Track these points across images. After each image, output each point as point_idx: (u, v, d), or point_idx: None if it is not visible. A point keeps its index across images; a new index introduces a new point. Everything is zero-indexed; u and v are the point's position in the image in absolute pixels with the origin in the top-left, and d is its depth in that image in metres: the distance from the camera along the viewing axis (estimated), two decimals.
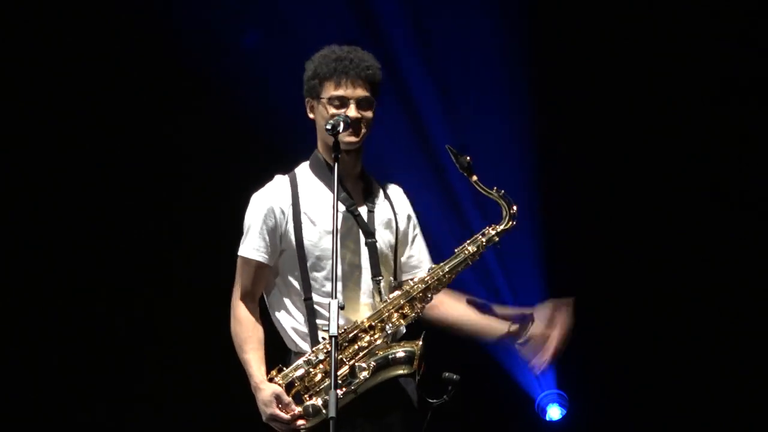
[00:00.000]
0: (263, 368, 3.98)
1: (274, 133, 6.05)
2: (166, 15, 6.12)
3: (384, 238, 4.07)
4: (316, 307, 3.98)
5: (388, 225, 4.10)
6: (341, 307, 3.68)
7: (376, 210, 4.09)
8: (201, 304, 6.07)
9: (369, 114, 3.99)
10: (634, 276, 6.38)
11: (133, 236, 6.30)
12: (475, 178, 3.93)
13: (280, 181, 4.13)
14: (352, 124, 3.95)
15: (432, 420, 3.95)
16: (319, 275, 4.00)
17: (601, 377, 6.37)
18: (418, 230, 4.21)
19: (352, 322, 3.95)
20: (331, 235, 3.84)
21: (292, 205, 4.06)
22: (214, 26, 6.18)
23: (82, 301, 6.29)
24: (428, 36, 6.30)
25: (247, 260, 4.07)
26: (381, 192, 4.15)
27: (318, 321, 3.97)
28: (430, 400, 3.85)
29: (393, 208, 4.15)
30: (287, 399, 3.88)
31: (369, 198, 4.10)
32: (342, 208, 4.03)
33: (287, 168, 4.19)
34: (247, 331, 4.02)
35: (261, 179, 4.22)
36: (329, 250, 3.89)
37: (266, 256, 4.05)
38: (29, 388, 6.25)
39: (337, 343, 3.64)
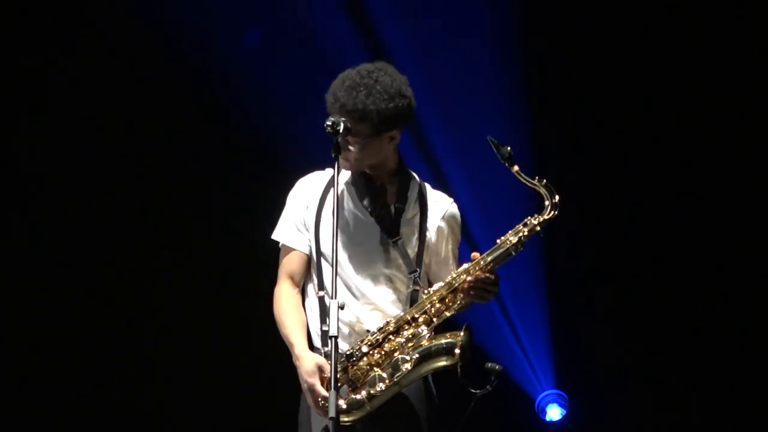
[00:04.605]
0: (305, 340, 3.99)
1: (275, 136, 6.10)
2: (166, 15, 6.14)
3: (405, 244, 4.05)
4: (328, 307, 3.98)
5: (412, 230, 4.08)
6: (341, 307, 3.69)
7: (405, 212, 4.08)
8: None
9: (357, 150, 3.95)
10: (633, 276, 6.38)
11: (136, 237, 6.32)
12: (516, 168, 3.91)
13: (319, 176, 4.16)
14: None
15: (437, 421, 3.96)
16: (325, 274, 4.02)
17: (601, 377, 6.37)
18: (451, 247, 4.14)
19: (379, 319, 3.96)
20: (345, 236, 3.97)
21: (318, 200, 4.09)
22: (214, 26, 6.21)
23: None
24: (422, 35, 6.30)
25: (288, 249, 4.11)
26: (418, 197, 4.12)
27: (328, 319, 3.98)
28: (473, 390, 3.84)
29: (424, 215, 4.11)
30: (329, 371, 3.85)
31: (399, 198, 4.08)
32: (364, 213, 4.05)
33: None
34: (286, 310, 4.03)
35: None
36: (342, 251, 3.96)
37: (305, 246, 4.09)
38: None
39: (337, 344, 3.65)
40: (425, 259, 4.09)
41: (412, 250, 4.06)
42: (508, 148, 3.91)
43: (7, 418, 6.16)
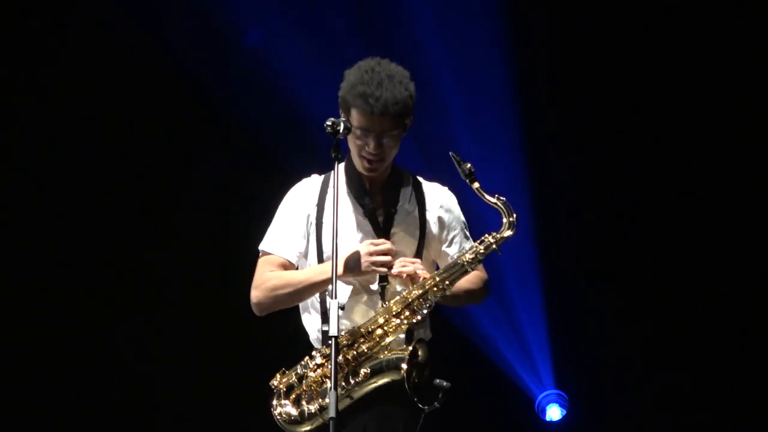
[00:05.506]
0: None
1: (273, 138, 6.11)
2: (166, 15, 6.15)
3: (404, 240, 4.06)
4: (329, 307, 3.97)
5: (411, 226, 4.07)
6: (341, 308, 3.68)
7: (399, 212, 4.06)
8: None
9: (392, 145, 3.94)
10: (633, 276, 6.38)
11: (135, 237, 6.32)
12: (477, 185, 3.91)
13: (312, 183, 4.13)
14: (372, 156, 3.94)
15: (429, 422, 3.95)
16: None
17: (601, 377, 6.37)
18: (456, 232, 4.14)
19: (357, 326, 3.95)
20: (345, 236, 3.93)
21: (317, 207, 4.07)
22: (214, 27, 6.21)
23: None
24: (418, 36, 6.30)
25: (268, 254, 4.08)
26: (412, 192, 4.11)
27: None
28: (421, 406, 3.84)
29: (422, 208, 4.10)
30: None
31: (394, 200, 4.07)
32: (360, 212, 4.04)
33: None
34: (276, 273, 4.02)
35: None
36: (343, 251, 3.92)
37: (292, 255, 4.07)
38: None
39: (337, 344, 3.64)
40: (432, 249, 4.09)
41: (412, 245, 4.06)
42: (468, 165, 3.92)
43: (7, 418, 6.17)
